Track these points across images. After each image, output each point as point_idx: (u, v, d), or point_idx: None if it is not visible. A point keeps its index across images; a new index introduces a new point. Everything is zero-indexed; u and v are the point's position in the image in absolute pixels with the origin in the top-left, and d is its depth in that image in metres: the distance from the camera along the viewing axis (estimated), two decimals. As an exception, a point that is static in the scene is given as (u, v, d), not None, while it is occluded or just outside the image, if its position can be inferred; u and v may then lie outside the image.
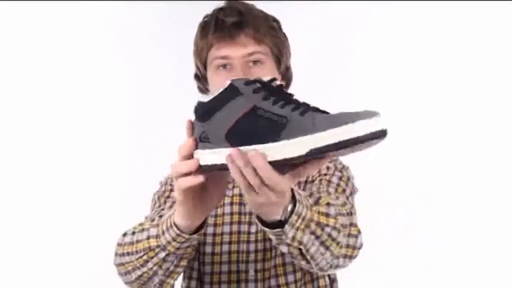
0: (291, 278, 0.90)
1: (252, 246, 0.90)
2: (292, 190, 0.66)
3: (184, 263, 0.76)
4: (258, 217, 0.68)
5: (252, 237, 0.90)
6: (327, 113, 0.58)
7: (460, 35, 2.15)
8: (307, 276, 0.92)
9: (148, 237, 0.73)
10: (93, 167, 2.12)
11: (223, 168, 0.59)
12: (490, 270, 2.02)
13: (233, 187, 0.95)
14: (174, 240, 0.70)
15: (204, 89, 0.99)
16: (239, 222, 0.91)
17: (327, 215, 0.72)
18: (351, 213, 0.80)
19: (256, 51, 0.87)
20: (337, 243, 0.72)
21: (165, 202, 0.94)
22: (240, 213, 0.92)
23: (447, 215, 2.12)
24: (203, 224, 0.73)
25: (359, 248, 0.78)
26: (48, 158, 2.05)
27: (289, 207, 0.65)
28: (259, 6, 0.93)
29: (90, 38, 2.17)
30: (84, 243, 2.02)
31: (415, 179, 2.17)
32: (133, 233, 0.77)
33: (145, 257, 0.73)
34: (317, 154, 0.54)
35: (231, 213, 0.92)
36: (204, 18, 0.93)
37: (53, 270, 1.97)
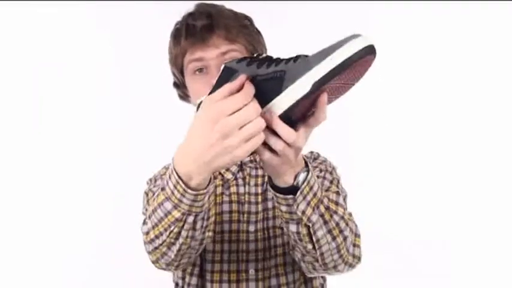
0: (290, 277, 0.90)
1: (251, 246, 0.90)
2: (304, 159, 0.68)
3: (212, 210, 0.73)
4: (271, 183, 0.69)
5: (252, 237, 0.90)
6: None
7: (455, 35, 2.16)
8: (303, 277, 0.92)
9: (167, 213, 0.68)
10: (90, 165, 2.13)
11: None
12: (490, 270, 2.02)
13: (229, 186, 0.94)
14: (194, 201, 0.65)
15: (184, 96, 0.98)
16: (238, 221, 0.91)
17: (336, 203, 0.75)
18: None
19: (230, 49, 0.86)
20: (344, 238, 0.73)
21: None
22: (238, 212, 0.92)
23: (446, 215, 2.12)
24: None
25: (360, 259, 0.80)
26: (46, 157, 2.06)
27: (302, 176, 0.67)
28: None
29: (88, 38, 2.18)
30: (79, 243, 2.03)
31: (413, 178, 2.18)
32: (150, 216, 0.73)
33: (176, 230, 0.68)
34: (321, 85, 0.56)
35: (230, 212, 0.92)
36: (176, 25, 0.92)
37: (48, 269, 1.99)
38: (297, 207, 0.68)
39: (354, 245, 0.78)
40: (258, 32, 0.94)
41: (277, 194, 0.69)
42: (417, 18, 2.22)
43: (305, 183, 0.67)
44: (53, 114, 2.11)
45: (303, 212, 0.68)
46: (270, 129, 0.61)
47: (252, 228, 0.90)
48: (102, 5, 2.15)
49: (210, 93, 0.63)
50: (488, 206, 2.07)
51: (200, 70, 0.87)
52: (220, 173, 0.95)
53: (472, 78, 2.13)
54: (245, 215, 0.91)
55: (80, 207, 2.07)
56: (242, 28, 0.89)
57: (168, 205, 0.67)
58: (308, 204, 0.68)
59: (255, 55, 0.65)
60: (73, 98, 2.13)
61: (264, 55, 0.65)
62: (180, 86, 0.96)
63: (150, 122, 2.17)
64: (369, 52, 0.56)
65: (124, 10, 2.20)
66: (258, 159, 0.95)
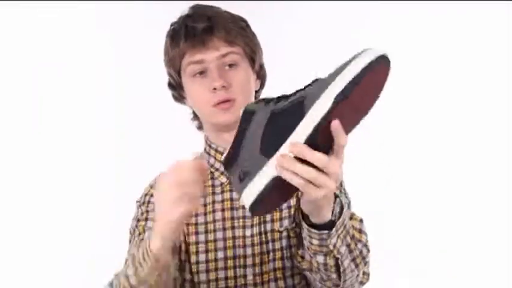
0: (289, 282, 0.88)
1: (249, 250, 0.88)
2: (334, 193, 0.68)
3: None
4: (306, 220, 0.69)
5: (248, 241, 0.88)
6: None
7: (454, 35, 2.15)
8: (304, 281, 0.90)
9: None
10: (90, 165, 2.13)
11: (276, 184, 0.60)
12: (489, 270, 2.01)
13: (222, 191, 0.93)
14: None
15: (179, 97, 0.98)
16: (233, 227, 0.89)
17: (360, 231, 0.76)
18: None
19: (229, 51, 0.87)
20: (364, 264, 0.75)
21: (144, 231, 0.90)
22: (233, 218, 0.90)
23: (446, 216, 2.11)
24: None
25: (369, 275, 0.82)
26: (46, 157, 2.06)
27: (337, 210, 0.68)
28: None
29: (88, 38, 2.18)
30: (78, 243, 2.03)
31: (412, 179, 2.16)
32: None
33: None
34: (342, 97, 0.56)
35: (223, 219, 0.90)
36: (172, 26, 0.92)
37: (48, 269, 1.99)
38: (330, 241, 0.69)
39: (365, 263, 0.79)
40: (254, 34, 0.94)
41: (312, 230, 0.69)
42: (417, 18, 2.21)
43: (341, 217, 0.68)
44: (53, 114, 2.10)
45: (335, 246, 0.69)
46: (301, 161, 0.59)
47: (248, 232, 0.89)
48: (102, 5, 2.14)
49: (231, 147, 0.65)
50: (486, 213, 2.06)
51: (200, 73, 0.87)
52: (212, 178, 0.94)
53: (472, 80, 2.12)
54: (240, 220, 0.90)
55: (80, 207, 2.07)
56: (240, 30, 0.90)
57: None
58: (338, 236, 0.69)
59: (270, 98, 0.65)
60: (73, 98, 2.13)
61: (281, 95, 0.65)
62: (176, 87, 0.95)
63: (150, 122, 2.17)
64: (381, 61, 0.56)
65: (124, 10, 2.20)
66: None
